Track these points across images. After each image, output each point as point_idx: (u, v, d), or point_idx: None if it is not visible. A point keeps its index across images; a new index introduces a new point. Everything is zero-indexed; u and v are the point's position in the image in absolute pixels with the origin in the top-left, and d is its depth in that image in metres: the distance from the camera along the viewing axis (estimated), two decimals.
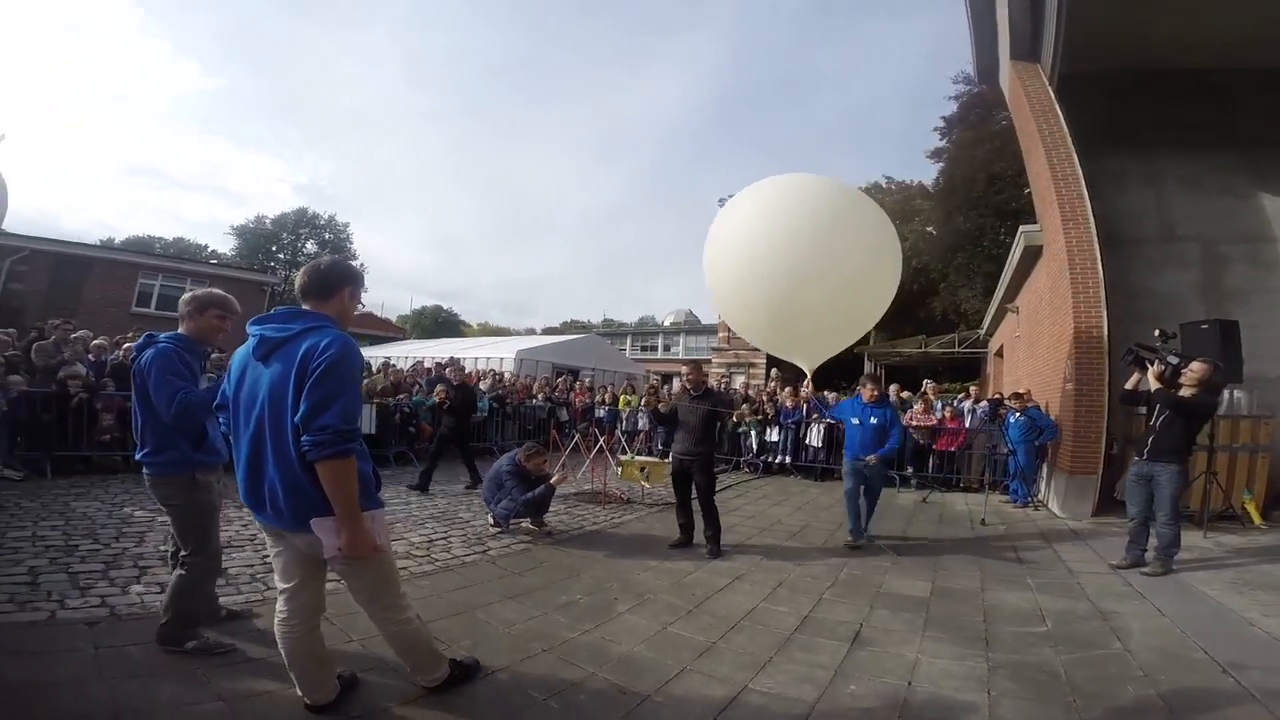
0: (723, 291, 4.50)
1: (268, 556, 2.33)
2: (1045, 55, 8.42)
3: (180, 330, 2.94)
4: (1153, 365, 5.11)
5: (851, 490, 5.63)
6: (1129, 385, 5.44)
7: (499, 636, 3.21)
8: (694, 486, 5.30)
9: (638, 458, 7.81)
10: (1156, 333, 5.46)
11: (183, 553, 2.85)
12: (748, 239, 4.18)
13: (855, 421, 5.81)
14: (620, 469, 7.55)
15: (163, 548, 4.01)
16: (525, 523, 5.60)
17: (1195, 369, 4.89)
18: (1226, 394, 6.83)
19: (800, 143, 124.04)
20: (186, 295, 3.04)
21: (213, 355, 5.60)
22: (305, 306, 2.16)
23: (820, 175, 4.59)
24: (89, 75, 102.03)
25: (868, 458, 5.52)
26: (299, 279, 2.22)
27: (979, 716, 2.55)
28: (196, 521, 2.86)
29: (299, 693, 2.27)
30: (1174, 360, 5.05)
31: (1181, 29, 7.75)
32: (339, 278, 2.24)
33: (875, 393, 5.91)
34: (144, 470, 2.85)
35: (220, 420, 2.30)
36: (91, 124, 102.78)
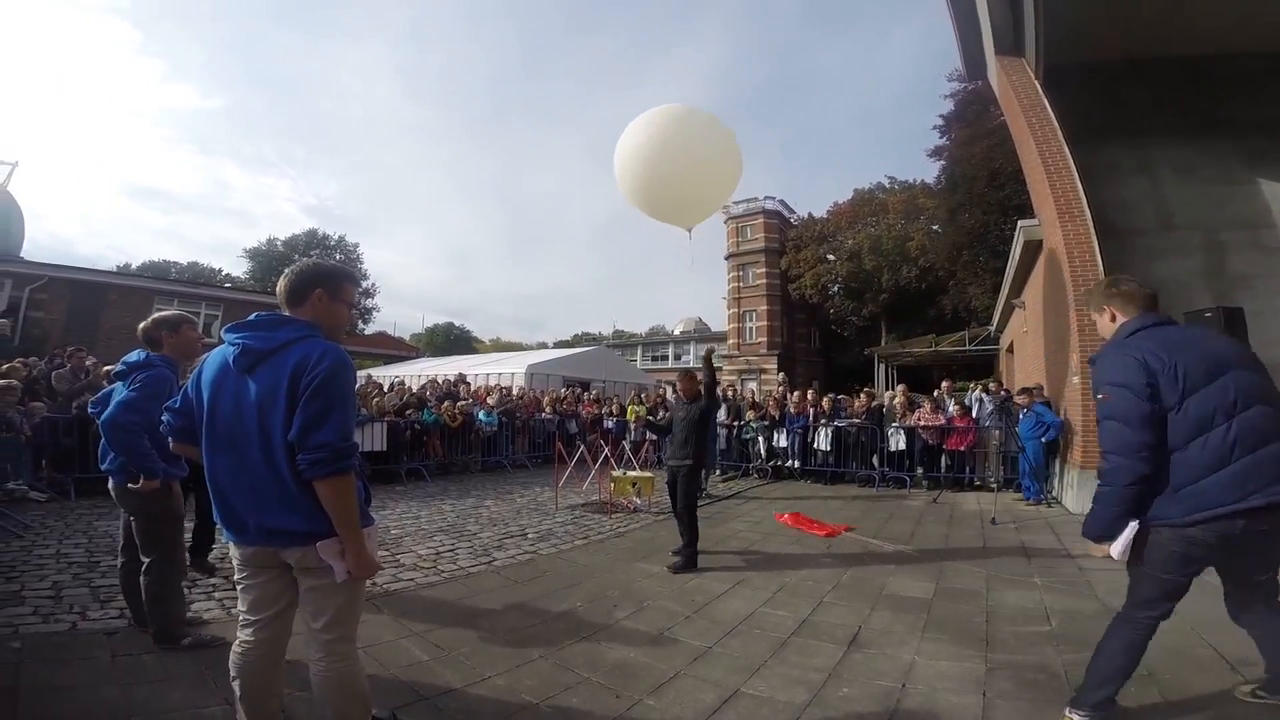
0: (621, 178, 5.64)
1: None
2: (1028, 48, 8.41)
3: (164, 351, 3.17)
4: None
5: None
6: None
7: (497, 644, 3.26)
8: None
9: (629, 473, 7.83)
10: None
11: (147, 560, 3.00)
12: (631, 142, 5.44)
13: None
14: (613, 484, 7.54)
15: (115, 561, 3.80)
16: None
17: None
18: None
19: (804, 146, 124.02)
20: (154, 319, 3.24)
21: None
22: (284, 313, 2.03)
23: (685, 105, 5.87)
24: (91, 100, 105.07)
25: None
26: (278, 284, 2.07)
27: (971, 718, 2.53)
28: (168, 528, 3.06)
29: None
30: None
31: (1164, 16, 7.73)
32: (308, 280, 2.04)
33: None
34: (114, 480, 3.04)
35: (165, 419, 2.13)
36: (98, 148, 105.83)
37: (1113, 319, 2.44)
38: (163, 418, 2.15)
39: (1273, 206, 7.90)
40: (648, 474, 7.81)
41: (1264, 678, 2.47)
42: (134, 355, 3.12)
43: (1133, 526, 2.25)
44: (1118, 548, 2.30)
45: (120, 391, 3.03)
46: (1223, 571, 2.32)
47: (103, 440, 3.06)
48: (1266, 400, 2.12)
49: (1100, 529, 2.27)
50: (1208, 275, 7.92)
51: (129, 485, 2.98)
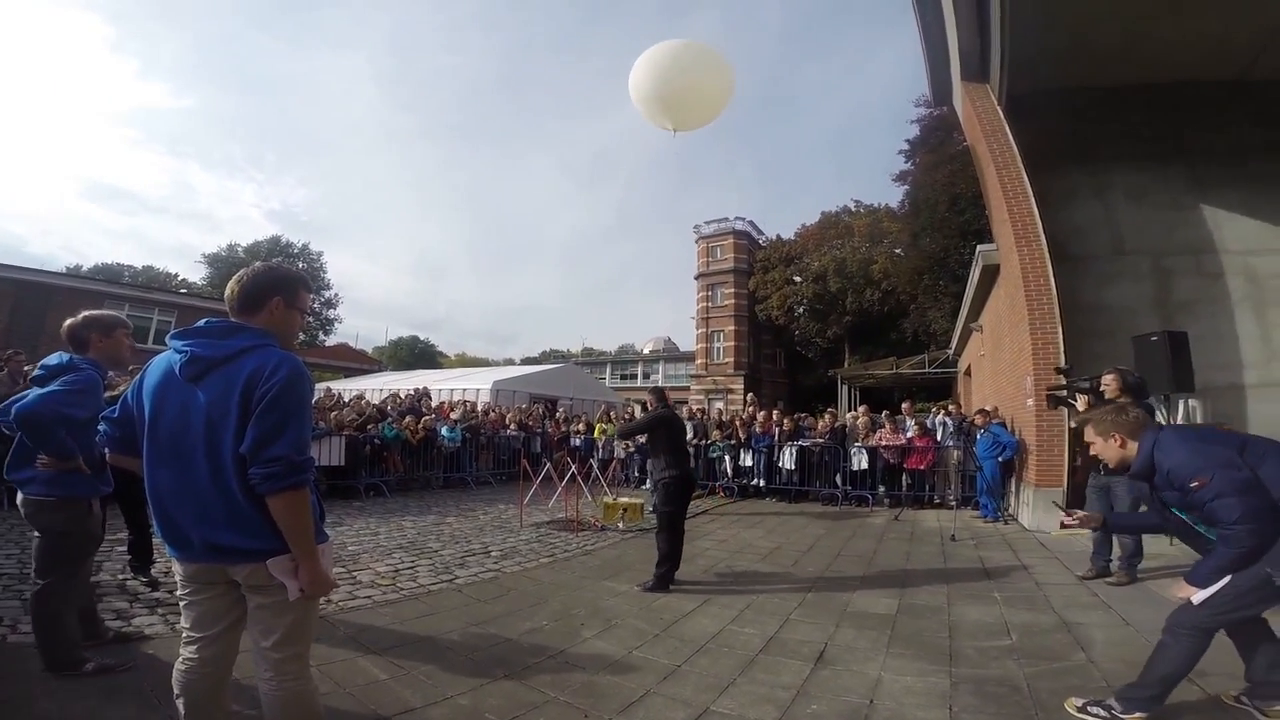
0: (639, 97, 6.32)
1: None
2: (993, 75, 8.73)
3: (90, 354, 2.88)
4: (1076, 402, 5.35)
5: None
6: (1074, 424, 5.65)
7: (460, 663, 3.17)
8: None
9: (620, 499, 7.80)
10: (1056, 371, 5.90)
11: (40, 582, 2.73)
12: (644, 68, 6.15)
13: None
14: (603, 511, 7.58)
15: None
16: None
17: (1106, 381, 5.05)
18: (1181, 404, 7.03)
19: (774, 169, 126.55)
20: (83, 318, 2.95)
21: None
22: (234, 320, 1.93)
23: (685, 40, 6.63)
24: (53, 94, 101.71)
25: None
26: (227, 289, 1.95)
27: None
28: (77, 551, 2.80)
29: None
30: (1086, 385, 5.31)
31: (1126, 45, 8.09)
32: (265, 287, 1.94)
33: None
34: (26, 493, 2.75)
35: (102, 429, 2.03)
36: (56, 145, 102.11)
37: (1122, 445, 2.72)
38: (100, 428, 2.05)
39: (1215, 232, 8.31)
40: (638, 500, 7.77)
41: (1246, 685, 2.67)
42: (54, 358, 2.83)
43: (1225, 580, 2.42)
44: (1202, 596, 2.49)
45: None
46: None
47: (12, 450, 2.77)
48: None
49: (1205, 581, 2.48)
50: (1155, 300, 8.27)
51: (39, 463, 2.69)
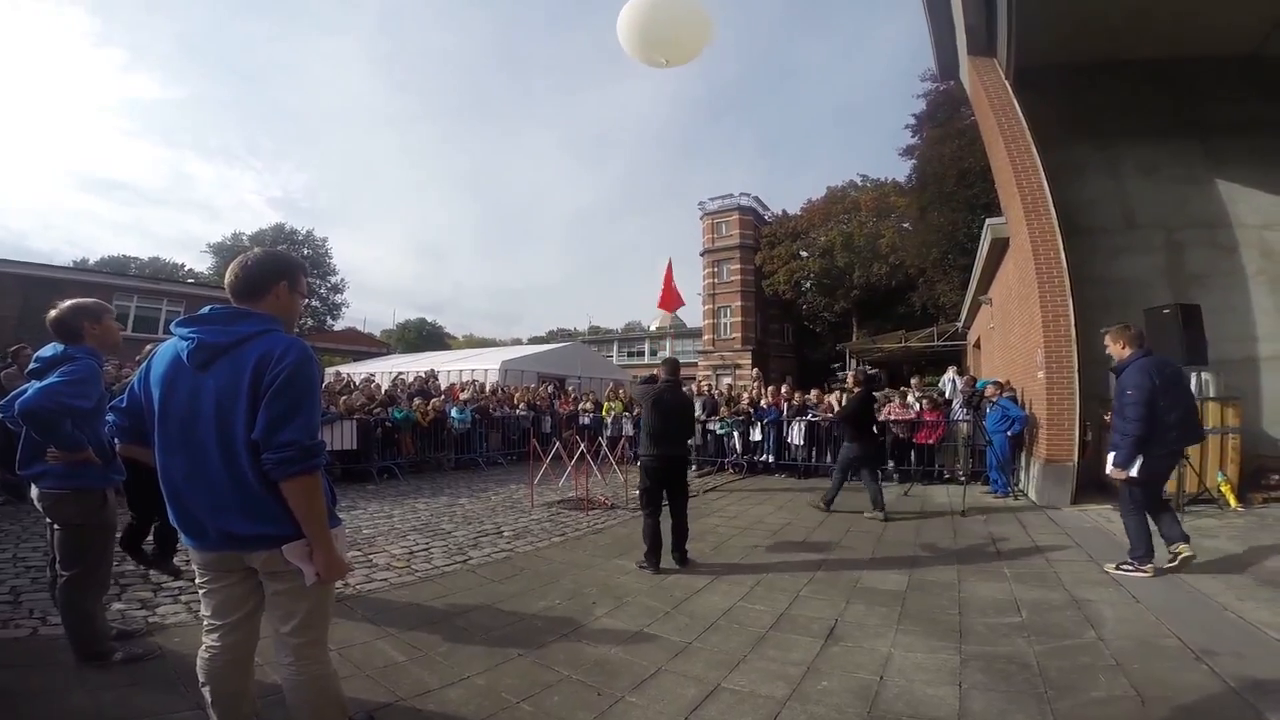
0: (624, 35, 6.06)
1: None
2: (1001, 50, 8.53)
3: (85, 343, 2.83)
4: (847, 382, 6.97)
5: None
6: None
7: (475, 643, 3.23)
8: None
9: None
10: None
11: (65, 574, 2.75)
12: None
13: None
14: None
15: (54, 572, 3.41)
16: None
17: (854, 376, 7.22)
18: (1194, 376, 7.02)
19: (779, 143, 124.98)
20: (71, 307, 2.85)
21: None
22: (237, 306, 1.92)
23: None
24: (44, 89, 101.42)
25: None
26: (228, 275, 1.94)
27: (948, 709, 2.56)
28: (97, 542, 2.82)
29: None
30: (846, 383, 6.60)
31: (1134, 20, 7.93)
32: (269, 272, 1.94)
33: None
34: (41, 487, 2.74)
35: (110, 420, 2.03)
36: (52, 140, 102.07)
37: (1124, 347, 4.43)
38: (108, 418, 2.05)
39: (1229, 207, 8.18)
40: None
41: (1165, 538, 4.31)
42: (49, 349, 2.77)
43: (1140, 458, 4.18)
44: (1134, 470, 4.20)
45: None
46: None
47: (21, 445, 2.74)
48: (1190, 400, 4.50)
49: (1126, 460, 4.22)
50: (1167, 273, 8.17)
51: (49, 456, 2.66)
